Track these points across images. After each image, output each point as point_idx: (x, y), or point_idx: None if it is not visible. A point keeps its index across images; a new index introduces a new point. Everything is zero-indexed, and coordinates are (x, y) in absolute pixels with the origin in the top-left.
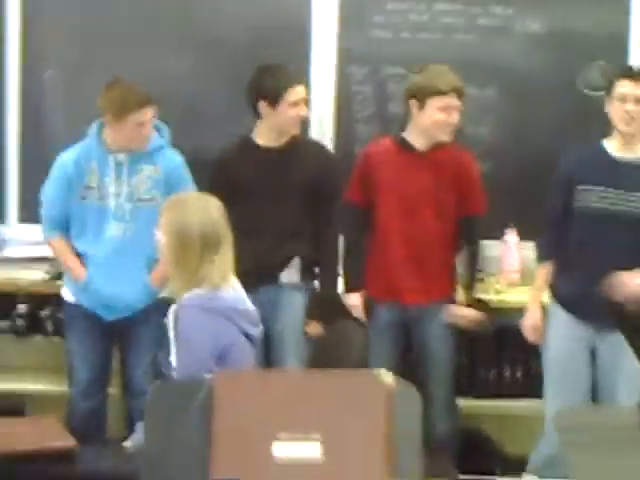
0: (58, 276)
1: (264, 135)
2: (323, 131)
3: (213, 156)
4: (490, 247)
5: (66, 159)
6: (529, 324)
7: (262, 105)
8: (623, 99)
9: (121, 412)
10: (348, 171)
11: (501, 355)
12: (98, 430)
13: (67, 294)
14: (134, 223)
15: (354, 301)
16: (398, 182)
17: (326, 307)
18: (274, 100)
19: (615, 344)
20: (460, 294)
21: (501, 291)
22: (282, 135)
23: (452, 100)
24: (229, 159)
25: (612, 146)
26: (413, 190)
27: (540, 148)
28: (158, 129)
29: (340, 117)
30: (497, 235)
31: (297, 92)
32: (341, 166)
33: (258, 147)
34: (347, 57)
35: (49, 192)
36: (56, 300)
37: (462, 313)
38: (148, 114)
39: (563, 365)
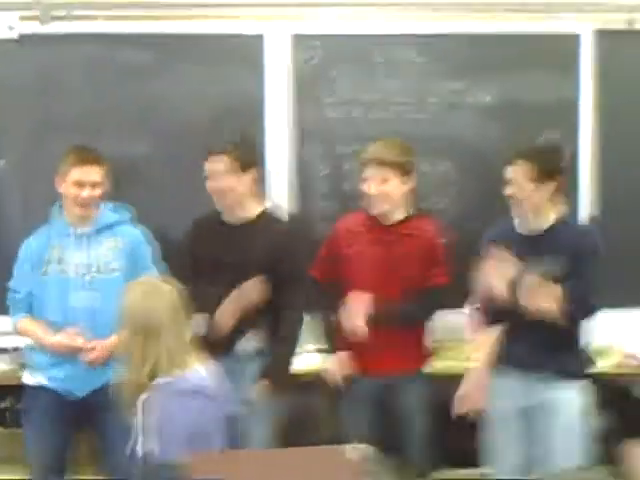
0: (21, 367)
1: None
2: (281, 208)
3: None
4: (457, 316)
5: (30, 240)
6: None
7: None
8: None
9: None
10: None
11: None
12: None
13: (28, 378)
14: (99, 293)
15: (332, 365)
16: (365, 256)
17: (277, 376)
18: None
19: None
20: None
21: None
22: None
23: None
24: (197, 233)
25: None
26: (379, 263)
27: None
28: (117, 211)
29: (299, 194)
30: (462, 304)
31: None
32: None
33: (223, 223)
34: (303, 137)
35: (16, 274)
36: (16, 391)
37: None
38: (90, 175)
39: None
